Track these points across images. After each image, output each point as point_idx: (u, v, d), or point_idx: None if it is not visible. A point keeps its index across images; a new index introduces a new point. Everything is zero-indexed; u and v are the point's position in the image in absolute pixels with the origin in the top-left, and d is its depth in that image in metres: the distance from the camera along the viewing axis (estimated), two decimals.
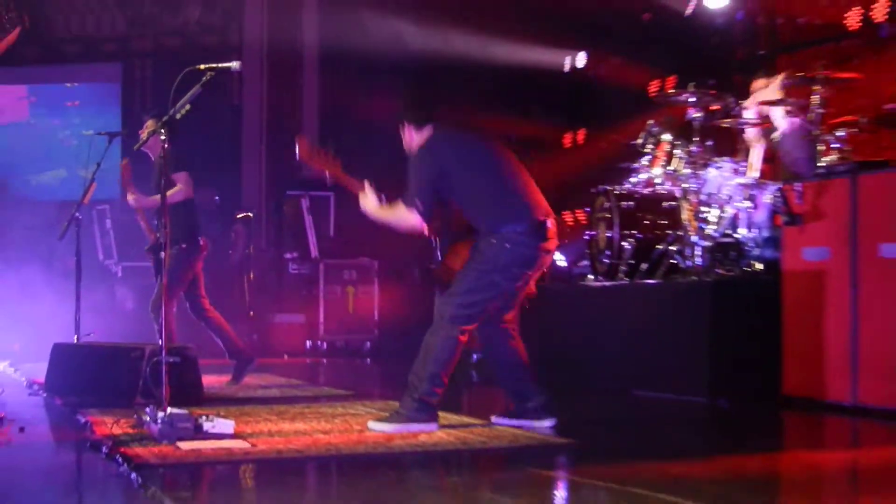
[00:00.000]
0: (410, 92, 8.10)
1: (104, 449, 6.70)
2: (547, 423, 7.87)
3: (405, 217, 7.83)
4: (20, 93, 21.27)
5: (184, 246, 10.77)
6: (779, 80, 10.53)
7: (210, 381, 10.65)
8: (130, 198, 10.93)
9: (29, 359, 13.47)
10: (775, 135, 10.69)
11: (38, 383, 10.67)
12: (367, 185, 8.15)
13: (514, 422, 7.96)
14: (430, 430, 7.55)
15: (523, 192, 7.78)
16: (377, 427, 7.62)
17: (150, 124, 10.69)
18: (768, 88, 10.65)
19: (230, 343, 11.32)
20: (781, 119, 10.65)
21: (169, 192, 10.18)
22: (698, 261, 10.41)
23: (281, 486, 5.84)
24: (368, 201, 8.15)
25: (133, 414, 7.91)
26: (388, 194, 8.03)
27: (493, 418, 8.12)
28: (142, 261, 16.69)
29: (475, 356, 14.17)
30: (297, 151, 8.31)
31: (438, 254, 8.47)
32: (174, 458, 6.43)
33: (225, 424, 7.13)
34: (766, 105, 10.54)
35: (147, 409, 7.43)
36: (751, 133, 10.86)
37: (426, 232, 8.03)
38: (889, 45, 11.90)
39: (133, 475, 5.83)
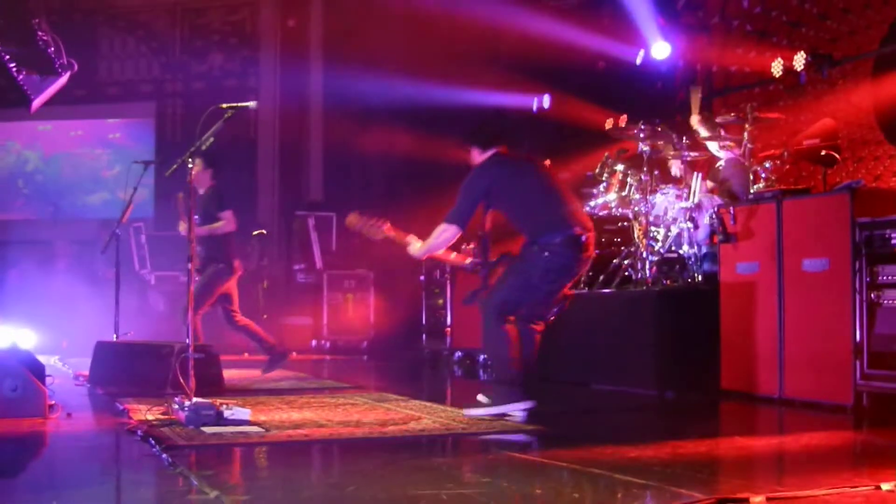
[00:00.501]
0: (479, 122, 8.15)
1: (139, 432, 6.66)
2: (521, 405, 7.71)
3: (442, 234, 7.94)
4: (69, 127, 21.22)
5: (221, 266, 10.84)
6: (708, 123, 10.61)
7: (230, 374, 10.59)
8: (182, 227, 10.96)
9: (75, 354, 13.39)
10: (719, 163, 10.71)
11: (83, 375, 10.61)
12: (411, 238, 8.18)
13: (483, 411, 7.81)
14: (521, 409, 7.50)
15: (563, 209, 7.73)
16: (473, 413, 7.59)
17: (198, 163, 10.74)
18: (704, 128, 10.70)
19: (264, 342, 11.35)
20: (719, 152, 10.66)
21: (217, 225, 10.39)
22: (648, 273, 10.37)
23: (290, 466, 5.78)
24: (414, 248, 8.16)
25: (164, 402, 7.85)
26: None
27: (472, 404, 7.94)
28: (171, 270, 16.69)
29: (458, 354, 14.14)
30: (347, 222, 8.34)
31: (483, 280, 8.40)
32: (199, 441, 6.38)
33: (242, 412, 7.07)
34: (707, 140, 10.55)
35: (176, 399, 7.39)
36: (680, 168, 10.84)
37: (455, 256, 8.22)
38: (807, 90, 11.89)
39: (164, 455, 5.78)
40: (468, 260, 8.57)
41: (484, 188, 7.86)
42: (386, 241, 8.32)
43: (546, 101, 16.02)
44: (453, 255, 8.49)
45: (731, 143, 10.44)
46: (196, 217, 10.98)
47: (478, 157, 8.06)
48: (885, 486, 4.76)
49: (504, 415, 7.50)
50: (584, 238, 7.64)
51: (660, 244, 10.54)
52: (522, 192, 7.82)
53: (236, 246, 11.27)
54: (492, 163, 7.97)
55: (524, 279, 7.72)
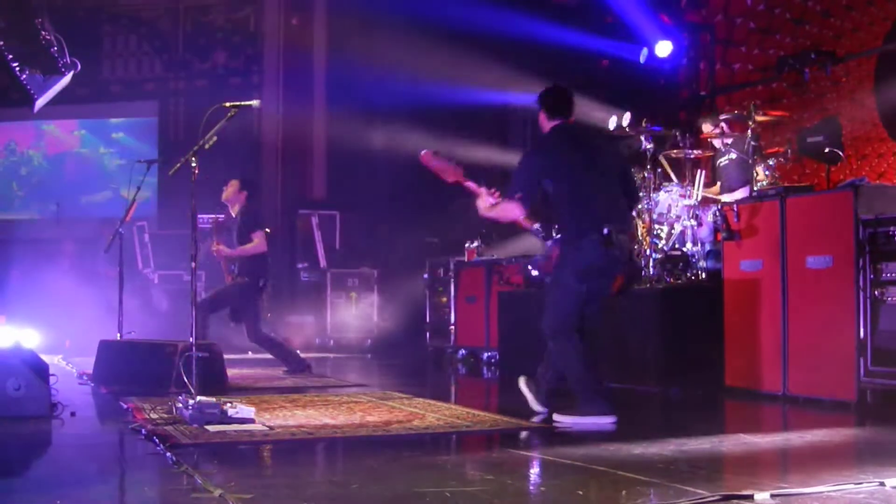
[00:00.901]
0: (553, 89, 8.01)
1: (143, 431, 6.67)
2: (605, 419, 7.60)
3: (507, 209, 7.72)
4: (72, 126, 21.23)
5: (246, 280, 10.97)
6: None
7: (234, 373, 10.60)
8: (214, 248, 11.17)
9: (79, 353, 13.40)
10: (721, 160, 10.72)
11: (87, 374, 10.62)
12: (483, 190, 7.94)
13: (573, 419, 7.62)
14: (605, 423, 7.37)
15: (602, 204, 7.63)
16: (560, 419, 7.47)
17: (233, 183, 11.00)
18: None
19: (287, 356, 11.47)
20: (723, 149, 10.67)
21: (249, 246, 10.73)
22: (652, 271, 10.37)
23: (295, 463, 5.79)
24: (482, 202, 7.95)
25: (168, 401, 7.87)
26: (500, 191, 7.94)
27: (555, 416, 7.73)
28: (175, 269, 16.71)
29: (462, 352, 14.16)
30: (422, 157, 8.26)
31: (543, 254, 8.35)
32: (203, 439, 6.39)
33: (246, 410, 7.08)
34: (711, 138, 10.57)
35: (180, 397, 7.40)
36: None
37: (524, 219, 7.86)
38: (810, 87, 11.90)
39: (168, 454, 5.79)
40: (535, 226, 8.47)
41: (540, 167, 7.74)
42: (455, 185, 8.25)
43: None
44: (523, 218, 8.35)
45: (736, 141, 10.44)
46: (206, 218, 11.29)
47: (545, 122, 7.94)
48: (890, 483, 4.77)
49: (591, 424, 7.36)
50: (613, 236, 7.52)
51: (663, 242, 10.54)
52: (569, 179, 7.66)
53: (266, 266, 11.39)
54: (553, 141, 7.88)
55: (563, 287, 7.64)
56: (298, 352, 11.99)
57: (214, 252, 11.31)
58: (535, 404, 7.84)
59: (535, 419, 7.62)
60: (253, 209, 11.40)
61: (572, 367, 7.57)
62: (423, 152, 8.23)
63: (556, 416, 7.53)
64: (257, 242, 11.08)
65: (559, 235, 7.82)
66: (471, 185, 8.02)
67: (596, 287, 7.67)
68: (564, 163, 7.69)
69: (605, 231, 7.47)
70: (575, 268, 7.55)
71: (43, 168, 21.26)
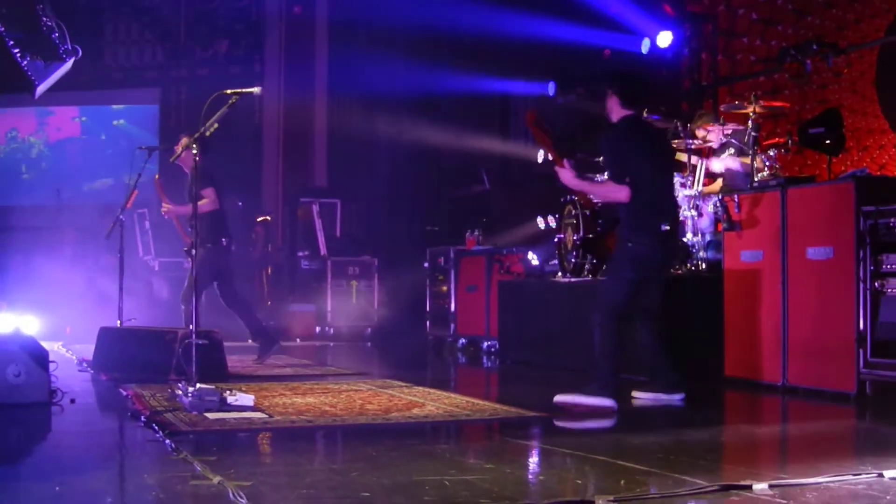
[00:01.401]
0: (633, 76, 8.06)
1: (143, 418, 6.67)
2: (677, 397, 7.96)
3: (614, 191, 7.83)
4: (73, 113, 21.24)
5: (209, 246, 10.74)
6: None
7: (233, 360, 10.60)
8: (164, 207, 10.95)
9: (79, 340, 13.40)
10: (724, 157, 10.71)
11: (87, 361, 10.62)
12: (567, 163, 8.07)
13: (651, 395, 8.08)
14: (605, 406, 7.45)
15: (664, 199, 7.81)
16: (560, 398, 7.60)
17: (184, 141, 10.70)
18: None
19: (256, 327, 11.33)
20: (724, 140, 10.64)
21: (201, 203, 10.25)
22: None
23: (294, 451, 5.79)
24: (566, 175, 8.09)
25: (167, 388, 7.87)
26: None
27: (633, 393, 8.19)
28: (176, 257, 16.71)
29: (462, 341, 14.16)
30: (526, 118, 8.37)
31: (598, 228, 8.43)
32: (202, 427, 6.39)
33: (246, 398, 7.08)
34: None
35: (179, 384, 7.40)
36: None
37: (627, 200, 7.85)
38: (812, 78, 11.88)
39: (167, 441, 5.79)
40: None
41: (624, 149, 7.84)
42: (545, 150, 8.35)
43: (551, 88, 16.03)
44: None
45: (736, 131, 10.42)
46: (183, 200, 11.05)
47: (616, 108, 7.95)
48: (889, 474, 4.77)
49: (595, 406, 7.46)
50: (670, 231, 7.73)
51: None
52: (635, 170, 7.74)
53: (226, 224, 11.19)
54: (629, 130, 7.93)
55: (618, 276, 7.80)
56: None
57: (164, 213, 11.15)
58: (666, 398, 7.97)
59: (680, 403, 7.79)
60: (204, 167, 11.04)
61: (606, 349, 7.68)
62: (528, 111, 8.39)
63: (556, 398, 7.65)
64: (209, 199, 10.79)
65: (623, 227, 7.89)
66: (556, 156, 8.18)
67: (655, 277, 7.87)
68: (635, 154, 7.80)
69: (665, 227, 7.68)
70: (632, 259, 7.70)
71: (44, 155, 21.26)
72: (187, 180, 10.87)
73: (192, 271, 10.50)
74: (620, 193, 7.74)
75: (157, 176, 11.32)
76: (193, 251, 8.23)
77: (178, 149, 10.67)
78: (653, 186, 7.76)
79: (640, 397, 8.05)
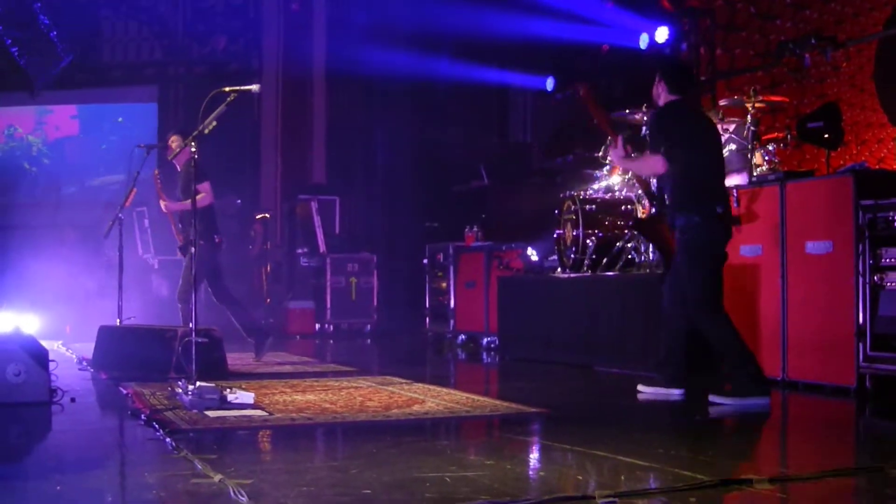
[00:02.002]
0: (678, 63, 8.12)
1: (143, 416, 6.67)
2: (676, 392, 7.93)
3: (650, 162, 7.93)
4: (71, 111, 21.23)
5: (202, 244, 10.73)
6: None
7: (233, 358, 10.61)
8: (162, 204, 10.96)
9: (79, 339, 13.41)
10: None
11: (87, 360, 10.63)
12: (619, 139, 8.24)
13: (652, 390, 8.11)
14: (762, 405, 7.38)
15: (717, 181, 7.78)
16: (717, 400, 7.52)
17: (175, 139, 10.73)
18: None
19: (248, 323, 11.32)
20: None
21: (196, 199, 10.25)
22: (651, 256, 10.36)
23: (294, 449, 5.80)
24: (616, 152, 8.28)
25: (167, 386, 7.87)
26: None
27: (639, 387, 8.23)
28: (175, 255, 16.69)
29: (462, 337, 14.17)
30: (581, 93, 8.44)
31: (653, 210, 8.45)
32: (203, 425, 6.40)
33: (246, 396, 7.09)
34: None
35: (179, 383, 7.41)
36: None
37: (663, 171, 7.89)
38: (811, 72, 11.88)
39: (167, 439, 5.79)
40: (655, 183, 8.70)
41: (672, 129, 7.80)
42: (599, 125, 8.43)
43: (550, 83, 16.04)
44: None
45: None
46: (176, 197, 11.03)
47: (664, 94, 7.97)
48: (888, 468, 4.77)
49: (751, 405, 7.37)
50: (721, 211, 7.67)
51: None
52: (687, 152, 7.73)
53: (219, 221, 11.19)
54: (677, 112, 7.93)
55: (692, 268, 7.72)
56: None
57: (164, 208, 11.13)
58: (670, 393, 7.95)
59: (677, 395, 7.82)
60: (198, 162, 11.01)
61: (729, 347, 7.63)
62: (583, 86, 8.44)
63: (711, 398, 7.57)
64: (203, 195, 10.76)
65: (676, 212, 7.84)
66: (611, 131, 8.44)
67: (721, 262, 7.80)
68: (683, 136, 7.78)
69: (719, 208, 7.65)
70: (698, 248, 7.66)
71: (43, 154, 21.25)
72: (179, 177, 10.88)
73: (187, 269, 10.53)
74: (657, 164, 7.79)
75: (156, 171, 11.33)
76: (192, 249, 8.23)
77: (173, 146, 10.69)
78: (702, 170, 7.72)
79: (645, 391, 8.05)
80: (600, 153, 11.61)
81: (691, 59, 14.07)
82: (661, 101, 7.98)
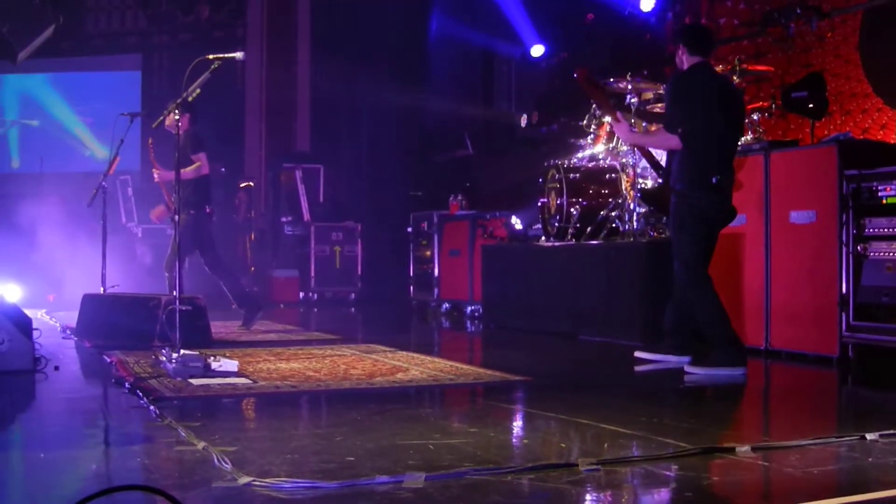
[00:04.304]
0: (695, 25, 8.08)
1: (127, 384, 6.67)
2: (685, 359, 7.85)
3: (666, 140, 7.82)
4: (55, 80, 21.13)
5: (192, 213, 10.73)
6: None
7: (217, 326, 10.59)
8: (155, 173, 10.92)
9: (62, 308, 13.38)
10: None
11: (70, 328, 10.61)
12: (620, 115, 8.25)
13: (658, 357, 8.17)
14: (737, 374, 7.38)
15: (715, 149, 7.67)
16: (692, 370, 7.52)
17: (172, 107, 10.70)
18: None
19: (240, 293, 11.31)
20: None
21: (190, 168, 10.31)
22: (635, 225, 10.37)
23: (278, 416, 5.79)
24: (622, 129, 8.28)
25: (151, 355, 7.86)
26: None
27: (637, 354, 8.34)
28: (158, 223, 16.67)
29: (445, 305, 14.18)
30: (577, 76, 8.36)
31: (660, 180, 8.45)
32: (187, 393, 6.39)
33: (230, 364, 7.09)
34: None
35: (163, 351, 7.40)
36: None
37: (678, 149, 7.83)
38: (796, 42, 11.86)
39: (151, 407, 5.79)
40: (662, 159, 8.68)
41: (688, 94, 7.76)
42: (599, 106, 8.41)
43: (537, 50, 15.98)
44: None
45: None
46: (171, 166, 10.98)
47: (685, 58, 7.89)
48: (870, 436, 4.79)
49: (724, 376, 7.37)
50: (723, 183, 7.63)
51: None
52: (697, 116, 7.67)
53: (211, 192, 11.18)
54: (701, 74, 7.84)
55: (684, 233, 7.71)
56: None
57: (157, 177, 11.10)
58: (673, 360, 7.98)
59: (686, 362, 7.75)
60: (194, 131, 11.06)
61: (708, 316, 7.63)
62: (578, 69, 8.44)
63: (687, 368, 7.58)
64: (199, 164, 10.76)
65: (676, 180, 7.83)
66: (611, 109, 8.40)
67: (716, 233, 7.81)
68: (696, 101, 7.72)
69: (714, 178, 7.59)
70: (693, 214, 7.65)
71: (26, 122, 21.16)
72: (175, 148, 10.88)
73: (174, 238, 10.52)
74: (672, 141, 7.72)
75: (150, 140, 11.28)
76: (176, 217, 8.22)
77: (169, 117, 10.67)
78: (707, 136, 7.62)
79: (696, 373, 7.63)
80: (584, 122, 11.60)
81: (677, 29, 14.05)
82: (686, 66, 7.88)
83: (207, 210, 10.94)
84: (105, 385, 7.02)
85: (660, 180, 8.55)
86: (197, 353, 7.17)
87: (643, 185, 10.24)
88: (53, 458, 4.60)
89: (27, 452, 4.81)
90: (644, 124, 10.34)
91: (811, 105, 9.93)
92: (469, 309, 13.54)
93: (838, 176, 7.88)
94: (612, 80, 11.11)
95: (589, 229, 10.93)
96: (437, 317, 14.12)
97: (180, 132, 10.59)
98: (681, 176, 7.70)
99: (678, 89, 7.84)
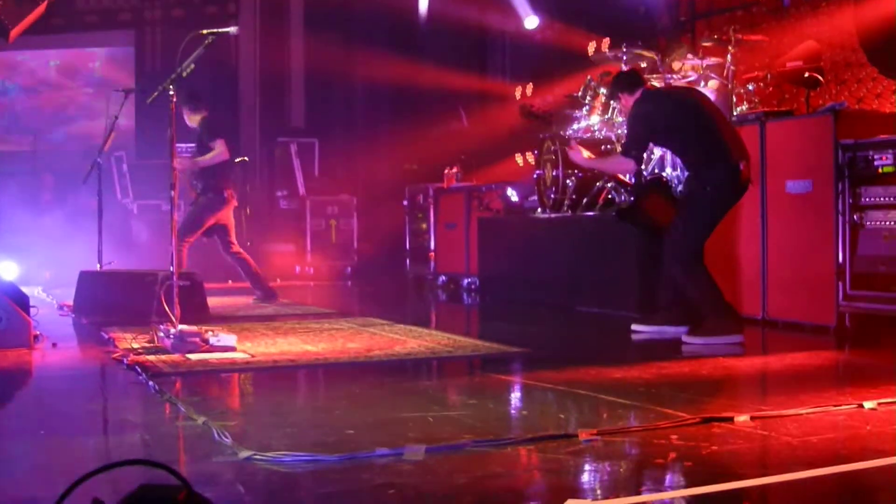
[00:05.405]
0: (619, 73, 8.37)
1: (125, 361, 6.67)
2: (682, 329, 7.88)
3: (620, 163, 8.27)
4: (48, 57, 21.05)
5: (210, 195, 10.84)
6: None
7: (215, 301, 10.60)
8: (175, 162, 10.96)
9: (59, 284, 13.37)
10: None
11: (68, 305, 10.60)
12: (574, 143, 8.74)
13: (654, 328, 8.21)
14: (735, 341, 7.49)
15: (721, 139, 7.70)
16: (689, 339, 7.60)
17: (185, 105, 10.86)
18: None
19: (255, 279, 11.39)
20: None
21: (209, 156, 10.54)
22: (631, 197, 10.36)
23: (276, 391, 5.81)
24: (575, 155, 8.52)
25: (149, 330, 7.86)
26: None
27: (633, 326, 8.37)
28: (154, 199, 16.66)
29: (442, 278, 14.18)
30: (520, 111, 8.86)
31: (632, 197, 8.65)
32: (185, 368, 6.41)
33: (228, 338, 7.09)
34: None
35: (161, 327, 7.39)
36: None
37: (633, 172, 8.37)
38: (790, 12, 11.84)
39: (150, 382, 5.79)
40: (628, 176, 9.10)
41: (650, 116, 7.93)
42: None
43: (531, 21, 15.91)
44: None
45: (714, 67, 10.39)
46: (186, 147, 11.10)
47: (629, 98, 8.10)
48: (867, 405, 4.81)
49: (721, 345, 7.44)
50: (741, 166, 7.64)
51: (642, 167, 10.51)
52: (683, 123, 7.85)
53: (231, 176, 11.26)
54: (652, 95, 8.13)
55: (698, 218, 7.75)
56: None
57: (176, 167, 11.14)
58: (670, 330, 7.99)
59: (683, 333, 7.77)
60: (212, 118, 11.16)
61: (704, 291, 7.68)
62: (520, 105, 8.78)
63: (684, 338, 7.65)
64: (219, 151, 10.81)
65: (689, 172, 8.00)
66: (572, 141, 9.00)
67: (720, 217, 7.87)
68: (678, 103, 7.97)
69: (734, 163, 7.63)
70: (709, 201, 7.71)
71: (19, 100, 21.10)
72: (195, 133, 11.04)
73: (189, 214, 10.67)
74: (626, 165, 8.13)
75: (170, 129, 11.35)
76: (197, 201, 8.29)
77: (185, 116, 10.83)
78: (695, 139, 7.76)
79: (693, 342, 7.63)
80: (579, 94, 11.58)
81: (671, 0, 14.02)
82: (632, 103, 8.06)
83: (226, 195, 11.00)
84: (103, 362, 7.02)
85: (631, 198, 8.68)
86: (195, 328, 7.17)
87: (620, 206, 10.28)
88: (53, 436, 4.60)
89: (26, 430, 4.81)
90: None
91: (806, 75, 9.92)
92: (465, 281, 13.54)
93: (834, 145, 7.89)
94: (607, 51, 11.12)
95: (585, 201, 10.92)
96: (433, 290, 14.13)
97: (196, 121, 10.83)
98: (700, 163, 7.78)
99: (633, 114, 8.00)
